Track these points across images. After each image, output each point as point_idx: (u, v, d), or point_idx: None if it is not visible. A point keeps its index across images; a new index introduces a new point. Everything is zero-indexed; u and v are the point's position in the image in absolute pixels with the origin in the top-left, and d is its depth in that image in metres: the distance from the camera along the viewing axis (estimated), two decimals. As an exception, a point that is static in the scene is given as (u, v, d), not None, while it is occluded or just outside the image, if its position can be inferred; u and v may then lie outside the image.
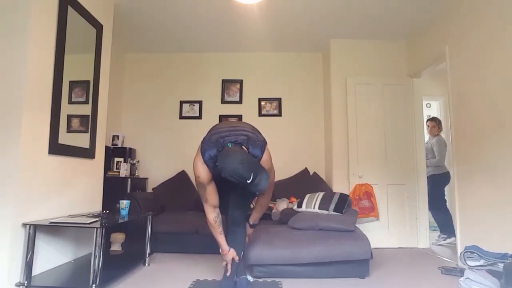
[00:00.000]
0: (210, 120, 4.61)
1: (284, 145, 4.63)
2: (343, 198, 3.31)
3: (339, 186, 4.16)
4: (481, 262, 2.54)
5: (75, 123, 2.89)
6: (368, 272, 2.83)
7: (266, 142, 2.30)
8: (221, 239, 2.35)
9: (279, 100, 4.82)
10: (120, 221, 2.69)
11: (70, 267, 2.65)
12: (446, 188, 4.53)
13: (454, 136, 3.40)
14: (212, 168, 2.15)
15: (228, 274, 2.39)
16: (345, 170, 4.21)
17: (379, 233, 4.02)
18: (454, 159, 3.42)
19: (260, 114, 4.80)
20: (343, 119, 4.27)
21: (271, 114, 4.80)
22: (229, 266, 2.38)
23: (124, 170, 4.13)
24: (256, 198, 2.53)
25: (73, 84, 2.82)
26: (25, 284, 2.19)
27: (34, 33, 2.36)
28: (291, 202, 3.80)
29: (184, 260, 3.33)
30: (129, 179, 4.12)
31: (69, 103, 2.76)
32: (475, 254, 2.59)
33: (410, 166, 4.17)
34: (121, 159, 4.23)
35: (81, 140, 2.97)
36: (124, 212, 2.92)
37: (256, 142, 2.19)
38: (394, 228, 4.10)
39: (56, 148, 2.59)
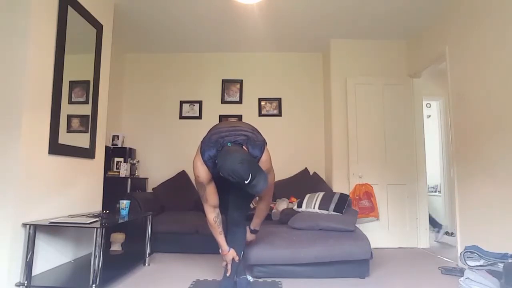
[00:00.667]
0: (210, 120, 4.62)
1: (284, 145, 4.64)
2: (343, 198, 3.31)
3: (339, 186, 4.16)
4: (481, 262, 2.54)
5: (75, 123, 2.89)
6: (368, 272, 2.83)
7: (266, 143, 2.29)
8: (221, 239, 2.35)
9: (279, 100, 4.82)
10: (120, 221, 2.68)
11: (70, 267, 2.65)
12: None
13: (454, 136, 3.40)
14: (212, 168, 2.15)
15: (228, 274, 2.39)
16: (345, 170, 4.21)
17: (379, 233, 4.02)
18: (454, 159, 3.42)
19: (260, 114, 4.80)
20: (343, 119, 4.27)
21: (271, 114, 4.80)
22: (229, 266, 2.38)
23: (124, 170, 4.13)
24: (257, 198, 2.53)
25: (73, 84, 2.82)
26: (25, 284, 2.19)
27: (34, 33, 2.36)
28: (291, 202, 3.80)
29: (184, 260, 3.33)
30: (129, 179, 4.12)
31: (69, 103, 2.76)
32: (475, 254, 2.59)
33: (410, 166, 4.17)
34: (121, 159, 4.23)
35: (81, 140, 2.97)
36: (124, 212, 2.93)
37: (255, 142, 2.19)
38: (394, 228, 4.10)
39: (56, 148, 2.59)
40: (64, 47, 2.67)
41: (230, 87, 4.87)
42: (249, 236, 2.56)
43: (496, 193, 2.76)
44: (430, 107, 5.87)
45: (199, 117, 4.81)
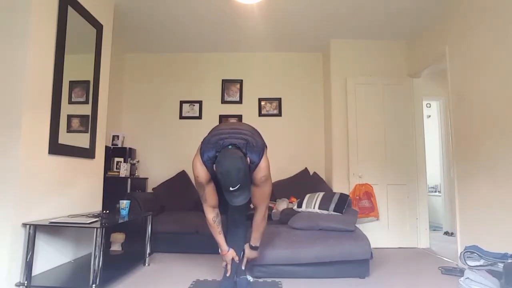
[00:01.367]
0: (210, 120, 4.62)
1: (284, 145, 4.64)
2: (343, 198, 3.31)
3: (339, 186, 4.16)
4: (481, 262, 2.54)
5: (75, 123, 2.89)
6: (368, 272, 2.83)
7: (266, 147, 2.26)
8: (221, 239, 2.34)
9: (279, 100, 4.82)
10: (120, 221, 2.68)
11: (70, 267, 2.65)
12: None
13: (454, 136, 3.40)
14: (211, 168, 2.14)
15: (228, 275, 2.39)
16: (345, 170, 4.21)
17: (379, 233, 4.02)
18: (454, 159, 3.42)
19: (260, 114, 4.80)
20: (343, 119, 4.27)
21: (271, 114, 4.80)
22: (228, 267, 2.38)
23: (124, 170, 4.13)
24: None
25: (73, 84, 2.82)
26: (25, 284, 2.20)
27: (34, 33, 2.36)
28: (291, 202, 3.80)
29: (184, 260, 3.33)
30: (129, 179, 4.12)
31: (69, 103, 2.76)
32: (475, 254, 2.59)
33: (410, 166, 4.17)
34: (121, 159, 4.23)
35: (81, 140, 2.97)
36: (124, 212, 2.92)
37: (254, 148, 2.13)
38: (394, 228, 4.10)
39: (56, 148, 2.59)
40: (64, 47, 2.67)
41: (230, 87, 4.87)
42: (249, 254, 2.43)
43: (496, 193, 2.76)
44: (430, 107, 5.88)
45: (199, 117, 4.81)
